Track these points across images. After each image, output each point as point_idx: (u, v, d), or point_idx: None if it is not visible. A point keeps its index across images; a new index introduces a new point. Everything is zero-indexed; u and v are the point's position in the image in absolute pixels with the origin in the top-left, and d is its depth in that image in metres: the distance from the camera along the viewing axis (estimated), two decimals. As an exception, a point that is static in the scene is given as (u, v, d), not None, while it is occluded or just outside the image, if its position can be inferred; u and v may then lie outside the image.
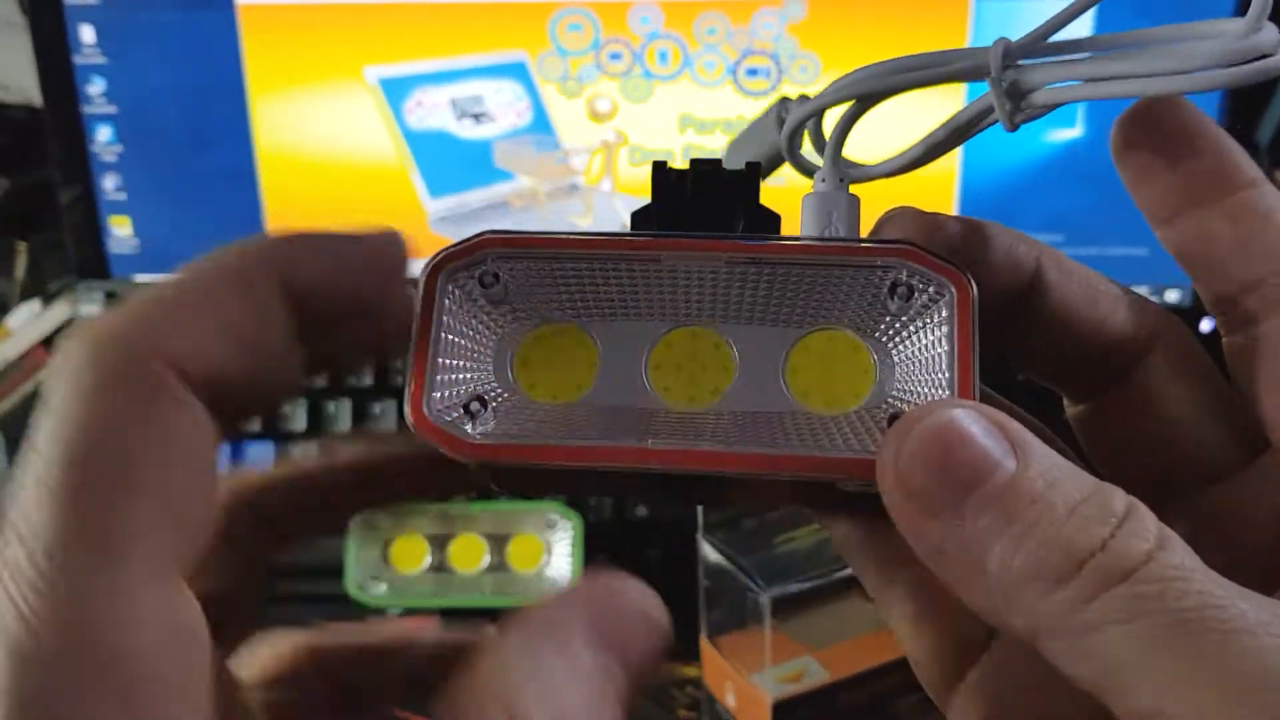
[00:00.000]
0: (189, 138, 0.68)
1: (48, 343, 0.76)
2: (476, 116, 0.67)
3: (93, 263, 0.70)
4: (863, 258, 0.19)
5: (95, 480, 0.15)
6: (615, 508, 0.59)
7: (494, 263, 0.19)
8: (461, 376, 0.19)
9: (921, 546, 0.16)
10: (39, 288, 0.78)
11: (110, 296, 0.61)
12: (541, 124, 0.67)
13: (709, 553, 0.47)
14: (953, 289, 0.18)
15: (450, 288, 0.19)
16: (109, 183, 0.69)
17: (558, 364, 0.19)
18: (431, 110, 0.67)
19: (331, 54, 0.66)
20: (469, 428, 0.18)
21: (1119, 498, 0.16)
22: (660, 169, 0.20)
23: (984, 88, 0.21)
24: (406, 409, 0.18)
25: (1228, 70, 0.18)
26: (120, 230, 0.70)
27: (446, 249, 0.19)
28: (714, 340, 0.19)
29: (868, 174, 0.21)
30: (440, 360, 0.19)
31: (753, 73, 0.65)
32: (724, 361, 0.19)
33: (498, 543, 0.53)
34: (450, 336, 0.19)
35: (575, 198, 0.68)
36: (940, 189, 0.66)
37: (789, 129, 0.22)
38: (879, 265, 0.19)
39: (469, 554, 0.53)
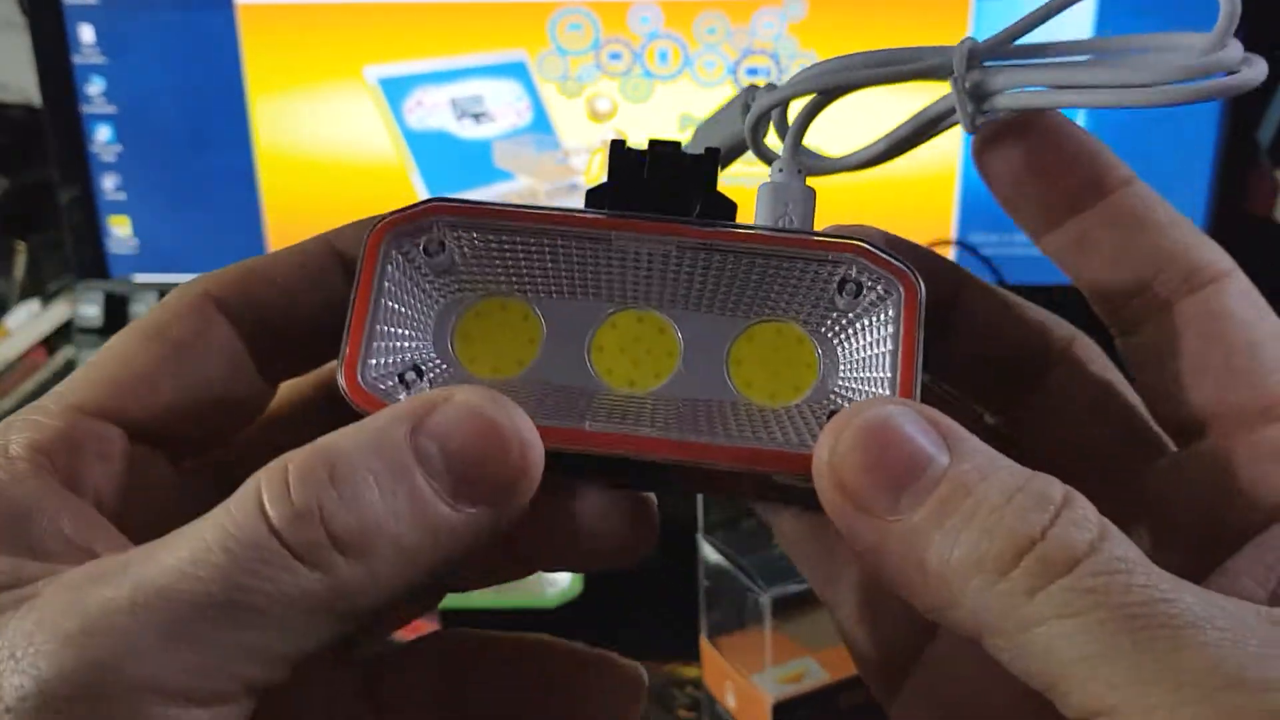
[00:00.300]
0: (188, 138, 0.68)
1: (47, 342, 0.76)
2: (476, 116, 0.67)
3: (92, 262, 0.70)
4: (814, 251, 0.19)
5: None
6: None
7: (440, 230, 0.19)
8: (399, 345, 0.19)
9: (859, 544, 0.16)
10: (38, 287, 0.78)
11: (110, 296, 0.61)
12: (541, 124, 0.67)
13: (709, 553, 0.47)
14: (901, 289, 0.18)
15: (394, 253, 0.19)
16: (108, 183, 0.69)
17: (499, 337, 0.19)
18: (431, 110, 0.67)
19: (331, 54, 0.66)
20: (402, 398, 0.18)
21: (1056, 486, 0.16)
22: (618, 147, 0.20)
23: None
24: (340, 374, 0.18)
25: (1189, 85, 0.18)
26: (119, 230, 0.70)
27: (392, 213, 0.19)
28: (659, 324, 0.19)
29: (826, 166, 0.21)
30: (378, 327, 0.18)
31: (753, 72, 0.65)
32: (669, 346, 0.19)
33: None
34: (390, 303, 0.19)
35: (575, 197, 0.68)
36: (941, 189, 0.66)
37: (752, 117, 0.21)
38: (830, 260, 0.19)
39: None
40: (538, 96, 0.66)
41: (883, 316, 0.18)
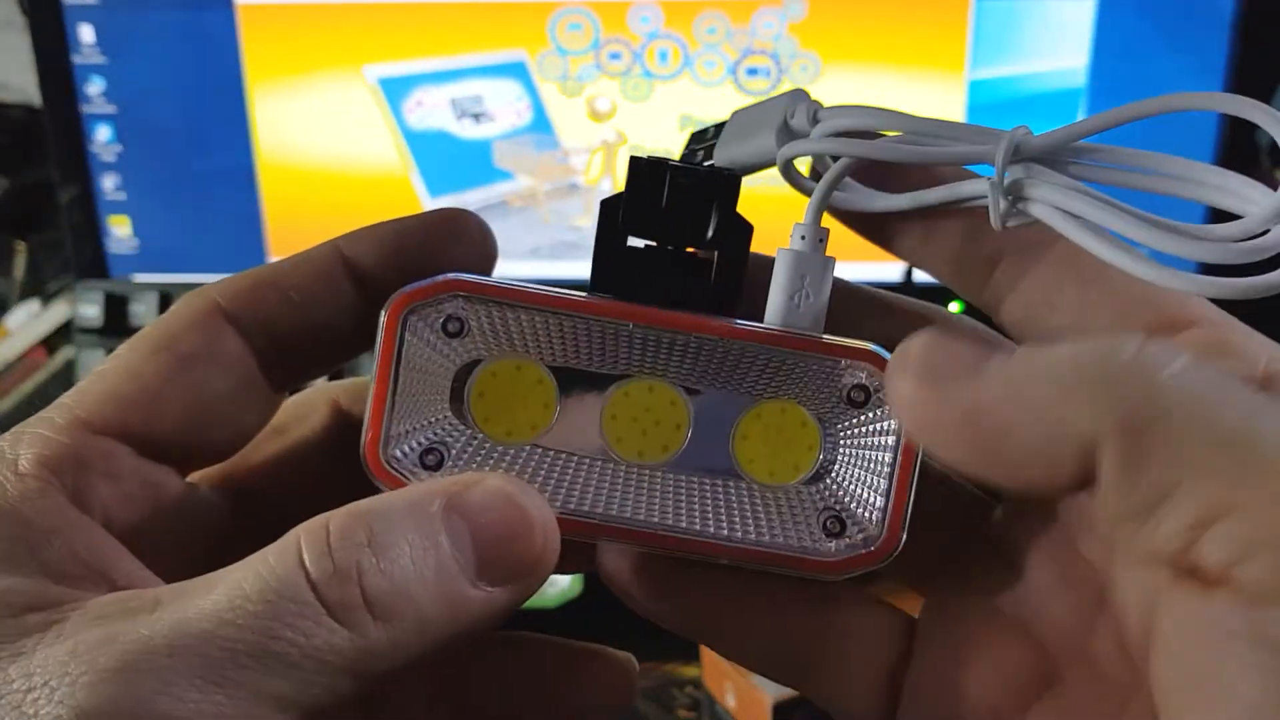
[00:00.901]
0: (188, 137, 0.68)
1: (47, 342, 0.76)
2: (476, 116, 0.67)
3: (92, 262, 0.70)
4: (828, 356, 0.19)
5: None
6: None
7: (458, 306, 0.19)
8: (418, 417, 0.19)
9: (949, 414, 0.17)
10: (38, 287, 0.78)
11: (110, 296, 0.61)
12: (541, 124, 0.67)
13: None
14: None
15: (411, 328, 0.19)
16: (108, 182, 0.69)
17: (514, 400, 0.20)
18: (431, 110, 0.67)
19: (331, 53, 0.66)
20: (422, 475, 0.19)
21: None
22: (638, 166, 0.20)
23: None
24: (363, 453, 0.19)
25: (1223, 281, 0.18)
26: (119, 230, 0.70)
27: (410, 288, 0.19)
28: (670, 396, 0.20)
29: (846, 216, 0.21)
30: (398, 404, 0.19)
31: (753, 72, 0.65)
32: (678, 419, 0.20)
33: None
34: (408, 378, 0.19)
35: (575, 197, 0.68)
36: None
37: (784, 159, 0.21)
38: (843, 365, 0.19)
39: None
40: (538, 96, 0.66)
41: (887, 425, 0.19)
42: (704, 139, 0.23)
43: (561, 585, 0.52)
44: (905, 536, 0.19)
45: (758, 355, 0.19)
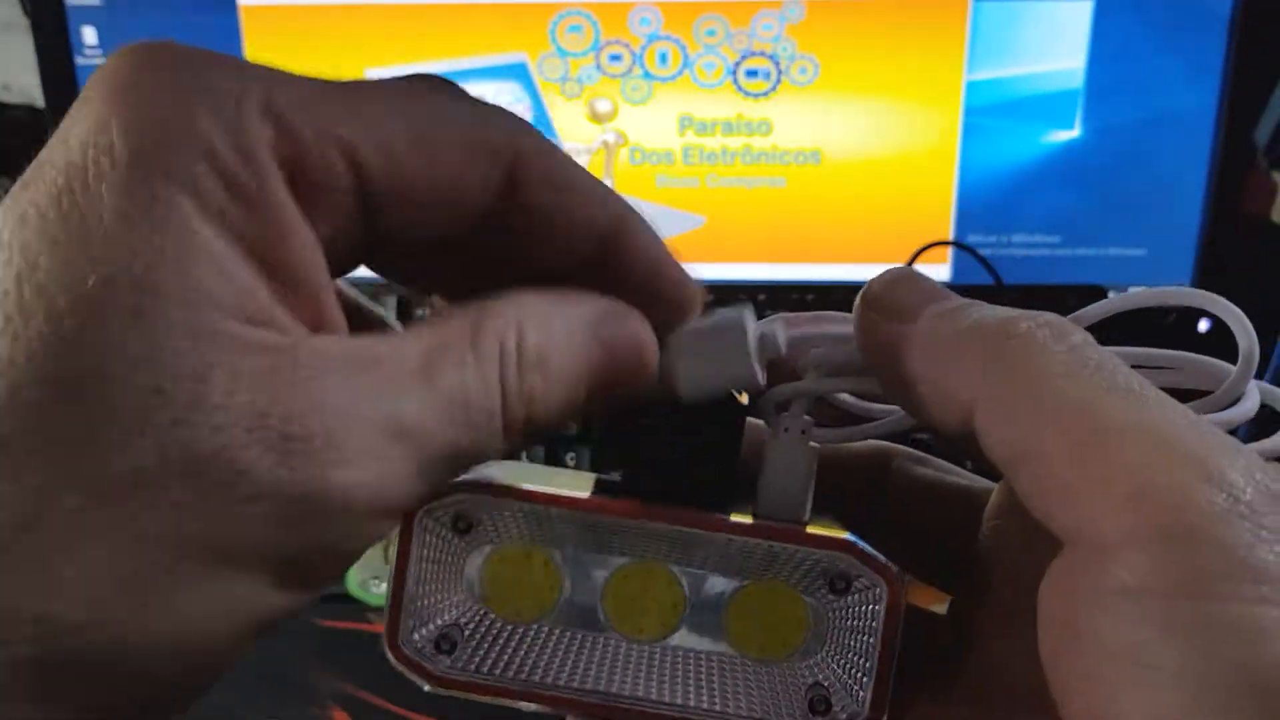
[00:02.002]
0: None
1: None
2: (477, 117, 0.67)
3: (95, 263, 0.70)
4: (809, 548, 0.20)
5: None
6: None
7: (469, 509, 0.20)
8: (434, 603, 0.21)
9: (888, 346, 0.19)
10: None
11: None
12: (542, 125, 0.67)
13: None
14: (885, 586, 0.20)
15: (425, 532, 0.20)
16: (111, 183, 0.70)
17: (522, 583, 0.21)
18: (432, 111, 0.67)
19: (334, 55, 0.66)
20: (440, 662, 0.20)
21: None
22: (627, 451, 0.21)
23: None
24: (384, 641, 0.20)
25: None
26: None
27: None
28: (667, 578, 0.21)
29: (828, 438, 0.22)
30: (414, 602, 0.20)
31: (752, 74, 0.65)
32: (675, 598, 0.21)
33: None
34: (423, 574, 0.20)
35: (575, 198, 0.68)
36: (939, 191, 0.66)
37: (780, 398, 0.22)
38: (823, 557, 0.20)
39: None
40: (538, 98, 0.66)
41: (869, 610, 0.20)
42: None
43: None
44: (887, 718, 0.20)
45: (745, 544, 0.20)
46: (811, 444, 0.21)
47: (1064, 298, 0.58)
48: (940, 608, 0.23)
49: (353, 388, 0.16)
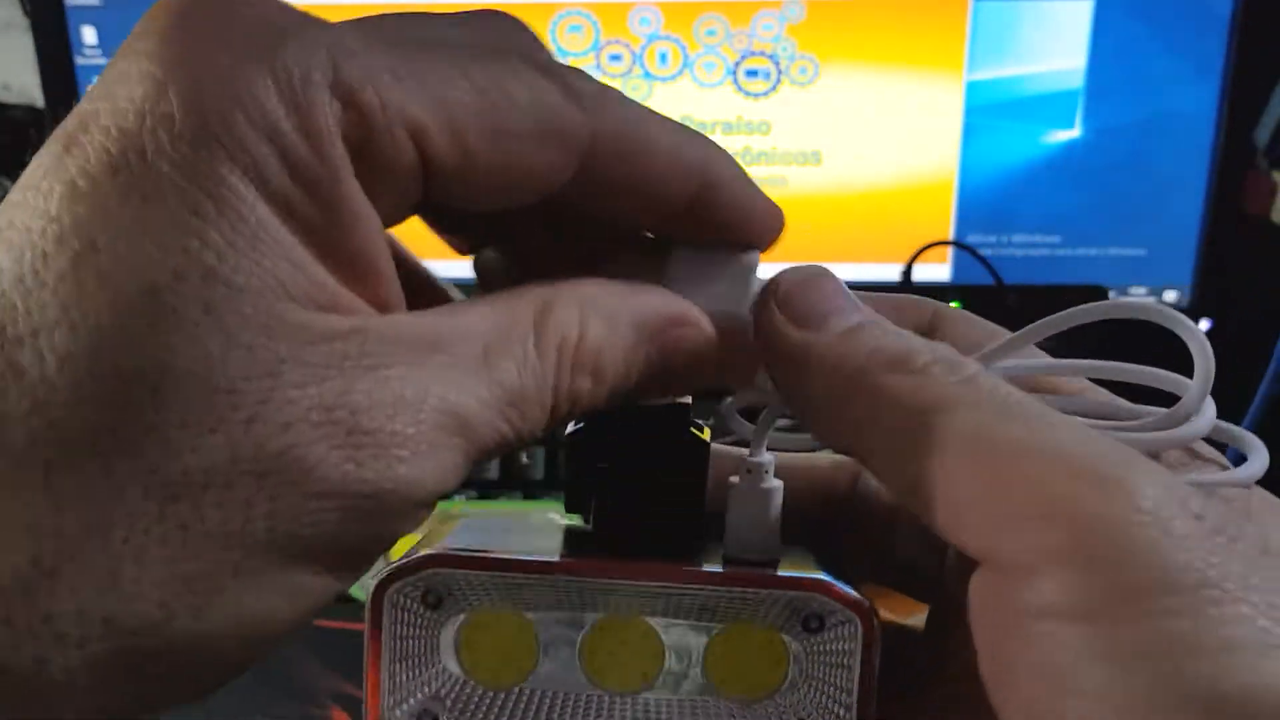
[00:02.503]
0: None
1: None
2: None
3: (95, 263, 0.70)
4: (781, 591, 0.20)
5: None
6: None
7: (438, 582, 0.20)
8: (410, 677, 0.20)
9: (790, 354, 0.19)
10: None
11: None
12: (542, 125, 0.67)
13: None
14: (858, 620, 0.20)
15: (395, 608, 0.20)
16: (111, 183, 0.70)
17: (499, 648, 0.21)
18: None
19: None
20: None
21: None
22: (581, 424, 0.21)
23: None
24: (366, 717, 0.20)
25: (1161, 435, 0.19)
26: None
27: (392, 567, 0.20)
28: (643, 629, 0.21)
29: (793, 448, 0.22)
30: (391, 672, 0.20)
31: (752, 74, 0.65)
32: (652, 649, 0.21)
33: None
34: (397, 649, 0.20)
35: (575, 198, 0.68)
36: (939, 191, 0.66)
37: (733, 409, 0.22)
38: (795, 598, 0.20)
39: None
40: (538, 98, 0.66)
41: (844, 645, 0.20)
42: None
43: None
44: None
45: (722, 594, 0.20)
46: (775, 482, 0.21)
47: (1064, 297, 0.58)
48: (921, 616, 0.23)
49: (419, 377, 0.16)
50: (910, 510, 0.17)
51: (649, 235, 0.22)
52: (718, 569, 0.20)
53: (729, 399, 0.22)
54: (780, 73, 0.65)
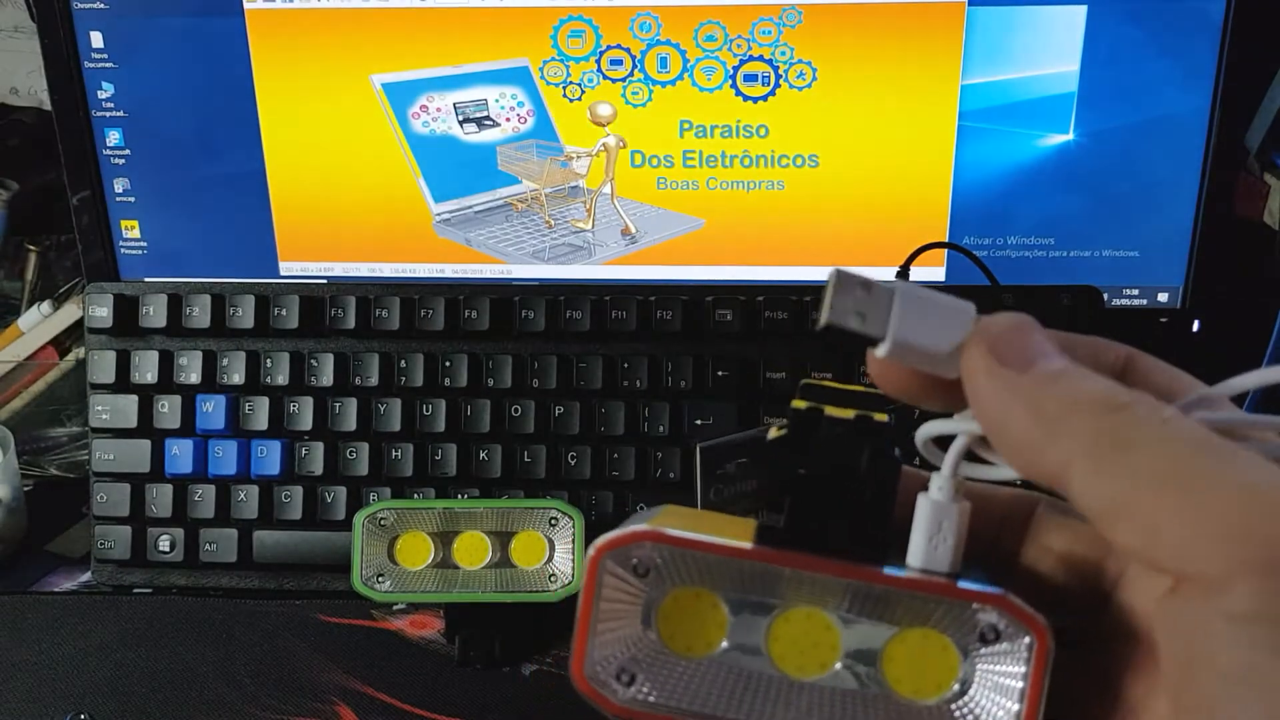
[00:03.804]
0: (198, 142, 0.69)
1: (57, 343, 0.77)
2: (480, 121, 0.68)
3: (102, 265, 0.71)
4: (962, 600, 0.22)
5: None
6: (616, 505, 0.60)
7: (647, 555, 0.22)
8: (615, 638, 0.23)
9: (993, 395, 0.21)
10: (50, 289, 0.79)
11: (119, 298, 0.62)
12: (544, 128, 0.68)
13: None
14: (1034, 638, 0.21)
15: (608, 570, 0.22)
16: (118, 186, 0.70)
17: (693, 621, 0.23)
18: (436, 115, 0.68)
19: (338, 59, 0.67)
20: (619, 691, 0.22)
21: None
22: (797, 417, 0.23)
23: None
24: (571, 668, 0.22)
25: None
26: (129, 233, 0.71)
27: (610, 538, 0.22)
28: (825, 622, 0.23)
29: (979, 477, 0.24)
30: (598, 633, 0.22)
31: (751, 78, 0.66)
32: (833, 640, 0.23)
33: (501, 540, 0.54)
34: (606, 609, 0.22)
35: (577, 201, 0.69)
36: (934, 193, 0.67)
37: (931, 435, 0.24)
38: (974, 609, 0.22)
39: (473, 551, 0.54)
40: (540, 102, 0.67)
41: (1017, 659, 0.22)
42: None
43: (564, 580, 0.53)
44: None
45: (900, 595, 0.22)
46: (964, 502, 0.23)
47: (1058, 298, 0.59)
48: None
49: None
50: (1103, 533, 0.20)
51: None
52: (903, 573, 0.22)
53: (926, 423, 0.24)
54: (778, 77, 0.65)
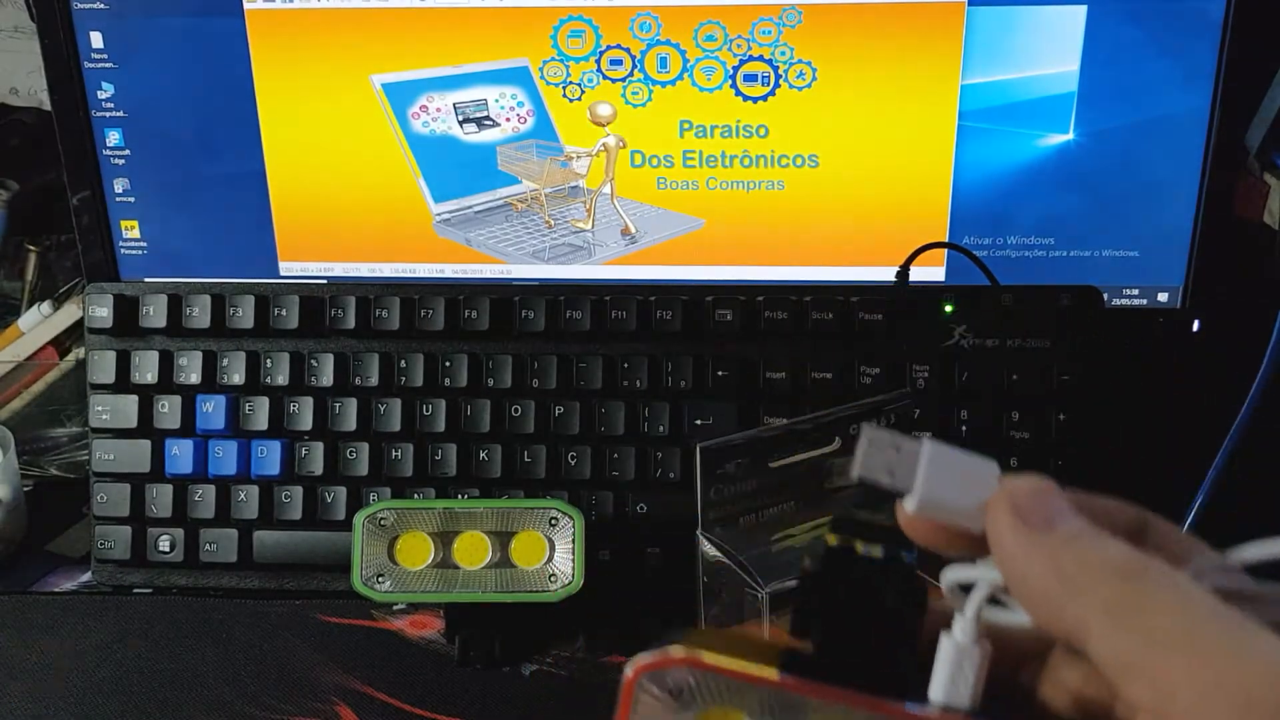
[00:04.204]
0: (198, 142, 0.69)
1: (57, 343, 0.77)
2: (479, 121, 0.68)
3: (102, 265, 0.71)
4: None
5: None
6: (616, 505, 0.60)
7: (683, 676, 0.23)
8: None
9: (1017, 556, 0.23)
10: (49, 289, 0.79)
11: (119, 298, 0.62)
12: (544, 128, 0.68)
13: (708, 550, 0.48)
14: None
15: (644, 690, 0.24)
16: (118, 186, 0.70)
17: None
18: (435, 115, 0.68)
19: (338, 59, 0.67)
20: None
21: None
22: (829, 556, 0.24)
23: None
24: None
25: None
26: (129, 233, 0.71)
27: (647, 660, 0.24)
28: None
29: (1002, 622, 0.25)
30: None
31: (750, 79, 0.66)
32: None
33: (501, 540, 0.54)
34: None
35: (577, 201, 0.69)
36: (934, 194, 0.67)
37: (957, 581, 0.25)
38: None
39: (473, 551, 0.54)
40: (540, 102, 0.67)
41: None
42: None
43: (564, 580, 0.53)
44: None
45: None
46: (985, 643, 0.24)
47: (1058, 298, 0.59)
48: None
49: None
50: (1116, 687, 0.21)
51: None
52: (925, 709, 0.23)
53: (951, 568, 0.25)
54: (778, 77, 0.66)
